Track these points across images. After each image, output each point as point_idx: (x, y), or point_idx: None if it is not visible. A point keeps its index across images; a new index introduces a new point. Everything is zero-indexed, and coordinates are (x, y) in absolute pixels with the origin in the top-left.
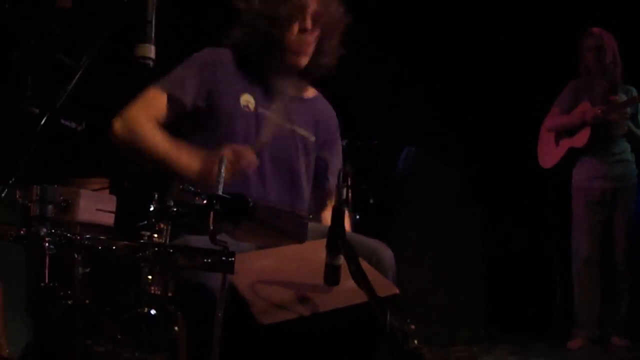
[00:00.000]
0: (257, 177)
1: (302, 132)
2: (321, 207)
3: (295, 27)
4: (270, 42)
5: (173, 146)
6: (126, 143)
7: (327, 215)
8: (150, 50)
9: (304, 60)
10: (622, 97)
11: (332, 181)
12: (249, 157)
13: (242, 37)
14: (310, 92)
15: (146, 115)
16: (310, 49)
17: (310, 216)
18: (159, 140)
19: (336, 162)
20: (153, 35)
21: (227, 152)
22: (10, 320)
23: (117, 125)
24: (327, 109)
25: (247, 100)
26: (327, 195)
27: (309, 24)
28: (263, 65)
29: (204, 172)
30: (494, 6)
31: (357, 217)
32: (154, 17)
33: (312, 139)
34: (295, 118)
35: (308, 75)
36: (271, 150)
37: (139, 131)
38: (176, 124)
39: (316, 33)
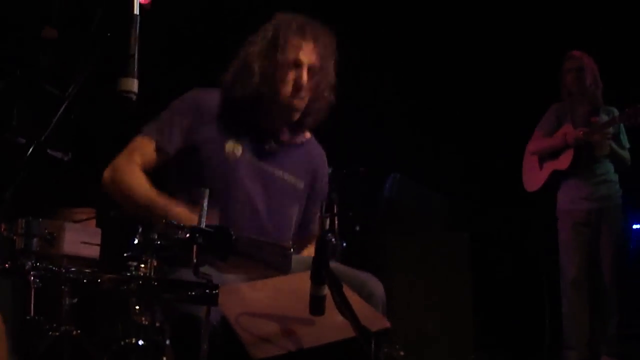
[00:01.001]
0: (241, 222)
1: (290, 179)
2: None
3: (290, 82)
4: (263, 99)
5: (161, 199)
6: (115, 193)
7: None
8: (133, 84)
9: (296, 115)
10: (604, 118)
11: (314, 231)
12: None
13: (233, 86)
14: (302, 137)
15: (134, 166)
16: (304, 104)
17: (293, 248)
18: (147, 191)
19: (318, 210)
20: (136, 69)
21: None
22: None
23: (107, 175)
24: (317, 153)
25: (232, 147)
26: (307, 242)
27: (304, 77)
28: (252, 110)
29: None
30: (474, 33)
31: (344, 244)
32: (136, 51)
33: (301, 185)
34: (283, 165)
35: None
36: (254, 195)
37: (127, 183)
38: (162, 167)
39: (311, 86)
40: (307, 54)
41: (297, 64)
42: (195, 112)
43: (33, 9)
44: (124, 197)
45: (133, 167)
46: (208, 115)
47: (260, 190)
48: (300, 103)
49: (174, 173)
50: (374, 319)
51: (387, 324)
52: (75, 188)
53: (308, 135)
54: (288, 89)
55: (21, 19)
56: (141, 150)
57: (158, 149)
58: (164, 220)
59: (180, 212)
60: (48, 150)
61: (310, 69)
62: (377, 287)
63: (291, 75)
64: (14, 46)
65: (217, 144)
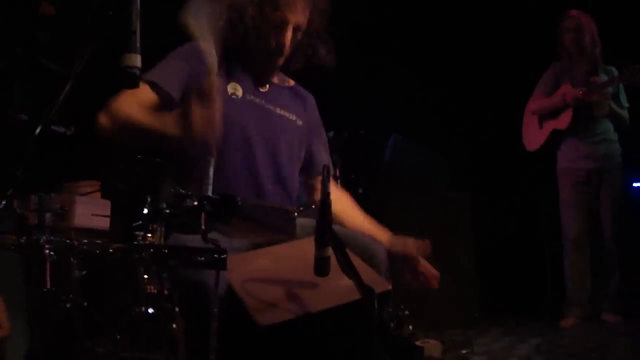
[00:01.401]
0: (252, 161)
1: (290, 115)
2: (312, 192)
3: (273, 42)
4: (250, 48)
5: (156, 118)
6: (112, 131)
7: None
8: (136, 60)
9: (280, 61)
10: (603, 78)
11: (325, 161)
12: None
13: (224, 33)
14: (290, 82)
15: (129, 102)
16: (283, 59)
17: (301, 208)
18: (142, 118)
19: (324, 155)
20: (138, 44)
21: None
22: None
23: (102, 116)
24: (307, 97)
25: (234, 87)
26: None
27: (287, 40)
28: (247, 56)
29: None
30: None
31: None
32: (138, 27)
33: (300, 122)
34: (281, 103)
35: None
36: (260, 133)
37: (122, 115)
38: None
39: (292, 44)
40: (295, 13)
41: (283, 22)
42: (194, 59)
43: None
44: (121, 129)
45: (127, 101)
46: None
47: (267, 127)
48: (280, 59)
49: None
50: (376, 282)
51: (389, 286)
52: (79, 162)
53: (292, 82)
54: (271, 44)
55: None
56: (137, 92)
57: (155, 88)
58: (172, 190)
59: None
60: (51, 126)
61: (295, 29)
62: (378, 248)
63: (274, 33)
64: (11, 23)
65: (219, 86)
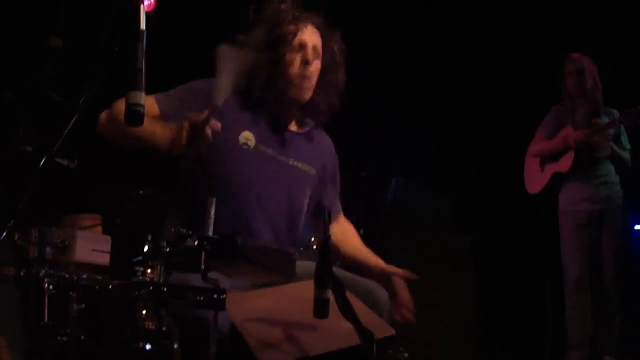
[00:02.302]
0: (254, 211)
1: (303, 166)
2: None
3: (297, 61)
4: (272, 78)
5: (149, 123)
6: (107, 129)
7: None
8: (141, 97)
9: (307, 94)
10: (604, 120)
11: (335, 207)
12: (212, 123)
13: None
14: (309, 125)
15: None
16: (313, 82)
17: (301, 249)
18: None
19: (333, 199)
20: (143, 82)
21: (188, 120)
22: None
23: (103, 114)
24: (326, 141)
25: (246, 137)
26: (342, 225)
27: (310, 55)
28: (264, 100)
29: (175, 140)
30: (476, 36)
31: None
32: (144, 64)
33: (313, 172)
34: (295, 153)
35: (314, 115)
36: (268, 185)
37: (119, 116)
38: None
39: (318, 66)
40: (309, 36)
41: (302, 45)
42: (207, 95)
43: (39, 19)
44: (116, 128)
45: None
46: (220, 105)
47: (275, 178)
48: (309, 83)
49: (188, 165)
50: (379, 326)
51: (392, 332)
52: (81, 195)
53: (312, 124)
54: (296, 69)
55: (27, 28)
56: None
57: (155, 109)
58: (172, 229)
59: (164, 134)
60: (54, 158)
61: (314, 49)
62: (382, 294)
63: (298, 57)
64: (20, 55)
65: (231, 135)
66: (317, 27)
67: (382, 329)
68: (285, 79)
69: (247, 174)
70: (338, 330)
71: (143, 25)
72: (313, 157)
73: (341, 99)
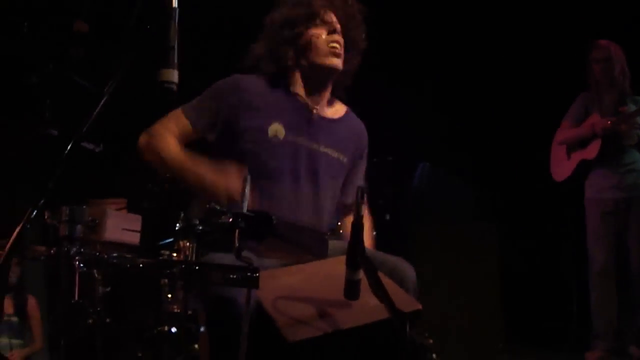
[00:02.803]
0: (285, 203)
1: (333, 153)
2: (338, 218)
3: (324, 33)
4: (301, 50)
5: (191, 160)
6: (149, 155)
7: (348, 223)
8: (174, 75)
9: (338, 62)
10: (632, 108)
11: (351, 197)
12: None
13: (268, 60)
14: (341, 110)
15: (169, 132)
16: (342, 50)
17: (328, 233)
18: (178, 154)
19: (359, 180)
20: (176, 60)
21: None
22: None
23: (142, 139)
24: (358, 126)
25: (275, 129)
26: (345, 209)
27: (335, 26)
28: (293, 79)
29: (225, 189)
30: (505, 23)
31: (374, 233)
32: (176, 42)
33: (344, 159)
34: (326, 140)
35: (336, 87)
36: (301, 172)
37: (160, 144)
38: (204, 153)
39: (342, 41)
40: (330, 15)
41: (325, 21)
42: (234, 98)
43: (64, 3)
44: (157, 160)
45: (167, 134)
46: (247, 100)
47: (306, 169)
48: (339, 50)
49: (216, 152)
50: (406, 301)
51: (419, 306)
52: (107, 179)
53: (345, 108)
54: (324, 38)
55: (53, 13)
56: (176, 122)
57: (190, 127)
58: (207, 205)
59: (210, 180)
60: (81, 142)
61: (341, 29)
62: (408, 270)
63: (324, 36)
64: (46, 40)
65: (260, 129)
66: (345, 6)
67: (409, 304)
68: (315, 50)
69: (277, 167)
70: (365, 306)
71: (176, 3)
72: (345, 144)
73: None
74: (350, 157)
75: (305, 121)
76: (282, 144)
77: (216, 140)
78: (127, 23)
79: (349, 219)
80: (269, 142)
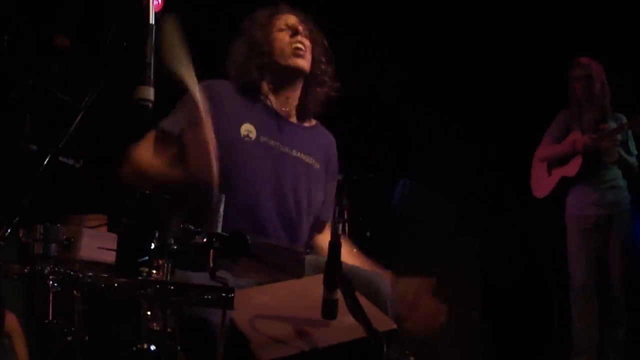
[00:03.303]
0: (259, 202)
1: (306, 158)
2: (313, 233)
3: (286, 36)
4: (266, 56)
5: (169, 168)
6: (134, 179)
7: (319, 241)
8: (149, 93)
9: (303, 62)
10: (612, 125)
11: (326, 215)
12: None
13: (240, 71)
14: (311, 122)
15: (146, 152)
16: (308, 53)
17: (308, 250)
18: (157, 167)
19: (332, 197)
20: (152, 77)
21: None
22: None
23: (125, 167)
24: (328, 137)
25: (247, 129)
26: (321, 226)
27: (298, 28)
28: (262, 89)
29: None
30: (484, 39)
31: (355, 250)
32: (152, 59)
33: (317, 166)
34: (298, 145)
35: (316, 86)
36: (272, 177)
37: (141, 167)
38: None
39: (308, 43)
40: (292, 18)
41: (291, 27)
42: (207, 102)
43: (45, 18)
44: (140, 176)
45: (143, 153)
46: (219, 103)
47: (278, 170)
48: (302, 51)
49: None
50: (381, 321)
51: (394, 326)
52: (86, 195)
53: (314, 122)
54: (287, 48)
55: (33, 27)
56: (149, 138)
57: (164, 132)
58: (181, 225)
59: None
60: (59, 158)
61: (303, 31)
62: (383, 284)
63: (286, 33)
64: (26, 54)
65: (232, 128)
66: (301, 18)
67: (384, 323)
68: (278, 53)
69: (250, 166)
70: (341, 324)
71: (152, 20)
72: (316, 151)
73: (336, 91)
74: (322, 166)
75: (277, 125)
76: (254, 143)
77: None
78: (103, 41)
79: (322, 237)
80: (241, 141)
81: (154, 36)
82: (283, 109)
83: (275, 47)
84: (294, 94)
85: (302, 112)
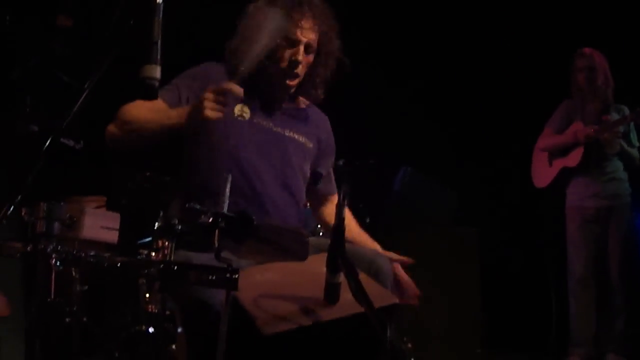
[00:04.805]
0: (254, 183)
1: (300, 138)
2: (318, 206)
3: (286, 59)
4: (263, 64)
5: (161, 113)
6: (119, 134)
7: (324, 215)
8: (156, 71)
9: (291, 88)
10: (614, 116)
11: (332, 188)
12: (233, 88)
13: (236, 56)
14: (303, 103)
15: (137, 106)
16: (297, 79)
17: (311, 232)
18: (146, 114)
19: (329, 171)
20: (159, 56)
21: (207, 94)
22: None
23: (110, 125)
24: (321, 116)
25: (241, 109)
26: (323, 197)
27: (300, 55)
28: (260, 79)
29: (192, 112)
30: (489, 29)
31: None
32: (159, 38)
33: (310, 145)
34: (292, 125)
35: (308, 88)
36: (268, 157)
37: (128, 117)
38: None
39: (309, 60)
40: (306, 32)
41: (294, 43)
42: (202, 78)
43: None
44: (127, 128)
45: (135, 106)
46: (215, 81)
47: (272, 149)
48: (293, 81)
49: (187, 140)
50: (382, 295)
51: (396, 300)
52: (87, 176)
53: (307, 102)
54: (284, 66)
55: (36, 6)
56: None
57: (162, 101)
58: (186, 205)
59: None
60: (60, 139)
61: (307, 46)
62: (384, 262)
63: (287, 54)
64: (28, 34)
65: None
66: (316, 19)
67: (385, 298)
68: (273, 70)
69: (244, 144)
70: (344, 299)
71: None
72: (309, 131)
73: (335, 72)
74: (315, 143)
75: (269, 107)
76: (248, 123)
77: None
78: (110, 18)
79: (325, 209)
80: (236, 120)
81: (161, 15)
82: (277, 94)
83: (274, 55)
84: (288, 87)
85: (297, 93)
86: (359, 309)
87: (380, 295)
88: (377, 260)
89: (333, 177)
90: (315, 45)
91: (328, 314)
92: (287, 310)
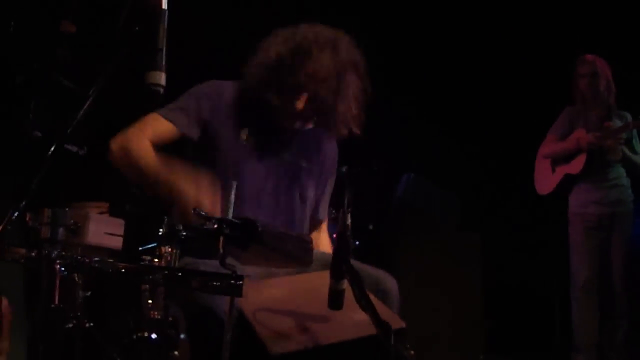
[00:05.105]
0: (257, 207)
1: (302, 162)
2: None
3: (303, 101)
4: (278, 92)
5: (166, 168)
6: (122, 162)
7: (315, 239)
8: (161, 78)
9: (296, 124)
10: (617, 123)
11: (322, 213)
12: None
13: (250, 82)
14: (310, 124)
15: (143, 136)
16: (300, 113)
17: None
18: (153, 161)
19: (329, 194)
20: (164, 62)
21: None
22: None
23: (114, 144)
24: (327, 140)
25: (247, 134)
26: (316, 224)
27: (299, 108)
28: (264, 107)
29: (195, 201)
30: (491, 34)
31: (357, 242)
32: (164, 44)
33: (314, 168)
34: (296, 149)
35: (326, 125)
36: (269, 181)
37: (134, 150)
38: (178, 151)
39: (309, 110)
40: (316, 83)
41: (300, 87)
42: (213, 101)
43: (51, 3)
44: (130, 166)
45: (143, 139)
46: (225, 104)
47: (275, 174)
48: (292, 123)
49: (192, 159)
50: (390, 319)
51: (403, 324)
52: (89, 183)
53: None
54: (299, 106)
55: (39, 12)
56: (153, 125)
57: (170, 127)
58: (192, 211)
59: (184, 190)
60: (65, 144)
61: (312, 98)
62: (392, 284)
63: (288, 100)
64: (32, 40)
65: (233, 132)
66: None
67: (392, 322)
68: (286, 104)
69: (248, 171)
70: (351, 320)
71: (165, 5)
72: (313, 154)
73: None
74: (318, 167)
75: (275, 133)
76: (252, 149)
77: (197, 140)
78: (115, 24)
79: (316, 234)
80: (240, 146)
81: (166, 21)
82: (280, 124)
83: (288, 99)
84: (290, 123)
85: (303, 117)
86: (366, 331)
87: (388, 319)
88: (385, 282)
89: (328, 200)
90: (321, 97)
91: (335, 336)
92: (294, 330)
